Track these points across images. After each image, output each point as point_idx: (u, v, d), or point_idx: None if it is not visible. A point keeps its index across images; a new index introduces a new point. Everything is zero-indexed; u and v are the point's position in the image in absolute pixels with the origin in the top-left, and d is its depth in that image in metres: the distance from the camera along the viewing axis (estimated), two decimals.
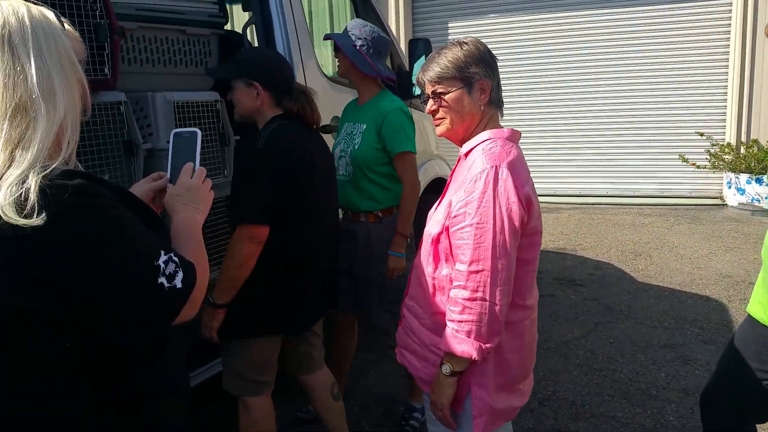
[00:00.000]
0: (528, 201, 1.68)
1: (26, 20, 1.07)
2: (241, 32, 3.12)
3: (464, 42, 1.78)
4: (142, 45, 2.64)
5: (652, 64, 8.49)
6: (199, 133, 1.44)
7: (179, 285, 1.12)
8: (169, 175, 1.42)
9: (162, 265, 1.10)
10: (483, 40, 1.83)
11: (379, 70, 2.84)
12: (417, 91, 3.05)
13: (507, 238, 1.63)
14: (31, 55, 1.05)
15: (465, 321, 1.65)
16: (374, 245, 2.86)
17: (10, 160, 1.02)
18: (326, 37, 2.95)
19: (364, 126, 2.84)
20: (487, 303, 1.63)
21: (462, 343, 1.66)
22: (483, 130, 1.79)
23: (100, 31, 2.23)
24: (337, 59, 2.93)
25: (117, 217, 1.07)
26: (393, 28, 9.02)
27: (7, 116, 1.03)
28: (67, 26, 1.17)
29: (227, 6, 3.35)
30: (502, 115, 1.85)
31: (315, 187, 2.33)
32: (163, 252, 1.12)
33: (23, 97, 1.04)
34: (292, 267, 2.30)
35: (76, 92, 1.13)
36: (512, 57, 8.92)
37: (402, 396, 3.39)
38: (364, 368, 3.79)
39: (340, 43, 2.83)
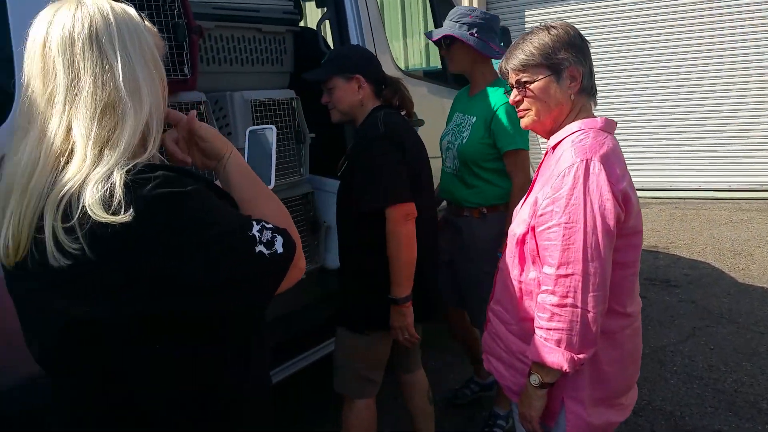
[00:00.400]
0: (625, 197, 1.52)
1: (111, 17, 1.05)
2: (315, 29, 3.09)
3: (552, 26, 1.64)
4: (220, 44, 2.65)
5: (750, 48, 7.85)
6: (274, 129, 1.40)
7: (280, 250, 1.08)
8: None
9: (257, 234, 1.07)
10: None
11: (502, 51, 2.65)
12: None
13: (600, 238, 1.48)
14: (118, 52, 1.03)
15: (554, 329, 1.52)
16: (477, 242, 2.71)
17: (99, 159, 1.00)
18: (429, 36, 2.78)
19: (474, 119, 2.67)
20: (579, 310, 1.49)
21: (551, 352, 1.52)
22: (573, 121, 1.64)
23: (178, 30, 2.24)
24: (447, 53, 2.73)
25: (201, 201, 1.04)
26: None
27: (96, 115, 1.01)
28: (147, 23, 1.14)
29: (302, 3, 3.32)
30: (595, 104, 1.69)
31: (423, 173, 2.28)
32: (254, 222, 1.09)
33: (111, 96, 1.02)
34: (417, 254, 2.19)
35: (159, 90, 1.10)
36: (597, 44, 8.49)
37: (485, 400, 3.26)
38: (445, 369, 3.68)
39: (460, 35, 2.63)
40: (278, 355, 2.59)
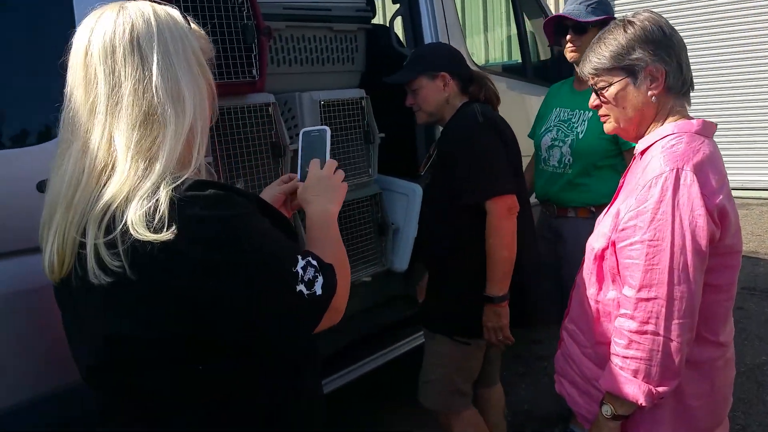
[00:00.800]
0: (721, 213, 1.35)
1: (153, 21, 1.01)
2: (388, 26, 3.01)
3: (630, 21, 1.48)
4: (290, 45, 2.63)
5: None
6: (328, 130, 1.36)
7: (319, 291, 1.04)
8: (299, 176, 1.37)
9: (300, 272, 1.03)
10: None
11: None
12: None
13: (689, 259, 1.32)
14: (160, 58, 1.00)
15: (631, 357, 1.37)
16: (585, 244, 2.54)
17: (142, 171, 0.97)
18: (547, 25, 2.60)
19: (589, 114, 2.48)
20: (661, 338, 1.34)
21: (627, 383, 1.38)
22: (664, 123, 1.48)
23: (247, 32, 2.22)
24: (569, 44, 2.51)
25: (251, 226, 1.00)
26: (552, 8, 8.48)
27: (138, 124, 0.98)
28: (193, 26, 1.11)
29: (374, 1, 3.25)
30: (689, 103, 1.51)
31: (520, 168, 2.20)
32: (300, 257, 1.04)
33: (153, 104, 0.99)
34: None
35: (205, 95, 1.07)
36: (691, 34, 7.94)
37: (559, 414, 3.09)
38: (514, 381, 3.53)
39: (588, 21, 2.41)
40: (336, 362, 2.55)
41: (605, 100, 1.50)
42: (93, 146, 0.98)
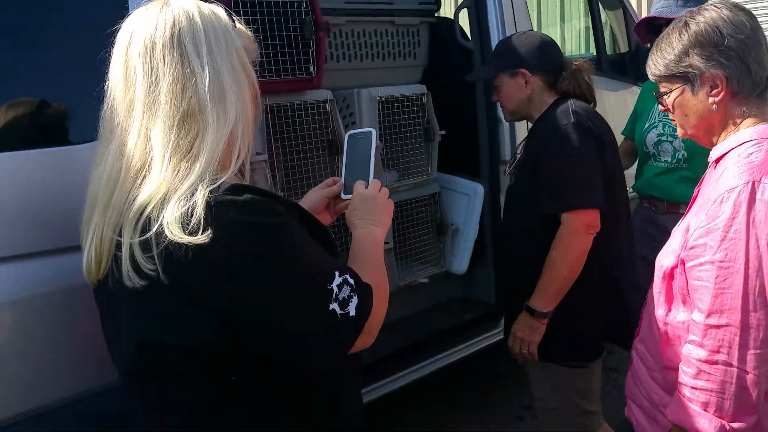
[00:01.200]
0: None
1: (197, 19, 0.98)
2: (453, 18, 2.91)
3: (687, 23, 1.32)
4: (350, 40, 2.58)
5: None
6: (374, 133, 1.31)
7: (353, 312, 0.98)
8: (343, 180, 1.33)
9: (335, 289, 0.97)
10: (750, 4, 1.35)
11: None
12: None
13: (766, 283, 1.18)
14: (202, 56, 0.97)
15: (701, 389, 1.24)
16: None
17: (180, 172, 0.94)
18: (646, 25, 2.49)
19: None
20: (734, 369, 1.21)
21: (697, 416, 1.25)
22: (740, 128, 1.32)
23: (305, 28, 2.19)
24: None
25: (288, 236, 0.96)
26: (633, 3, 8.03)
27: (176, 124, 0.95)
28: (238, 25, 1.07)
29: None
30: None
31: (618, 170, 2.02)
32: (337, 273, 0.99)
33: (192, 103, 0.95)
34: (613, 266, 1.96)
35: (248, 96, 1.03)
36: None
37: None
38: (616, 393, 3.33)
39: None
40: (390, 366, 2.49)
41: (667, 107, 1.37)
42: (130, 145, 0.96)
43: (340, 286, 0.97)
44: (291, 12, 2.18)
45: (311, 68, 2.22)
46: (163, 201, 0.92)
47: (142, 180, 0.95)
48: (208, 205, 0.90)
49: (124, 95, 0.97)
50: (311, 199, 1.35)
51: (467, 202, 2.91)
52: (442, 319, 2.78)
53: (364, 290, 1.01)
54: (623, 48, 3.91)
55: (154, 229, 0.90)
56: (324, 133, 2.40)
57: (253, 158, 2.16)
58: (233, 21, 1.05)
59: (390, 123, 2.65)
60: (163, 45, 0.95)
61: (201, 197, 0.90)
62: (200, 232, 0.88)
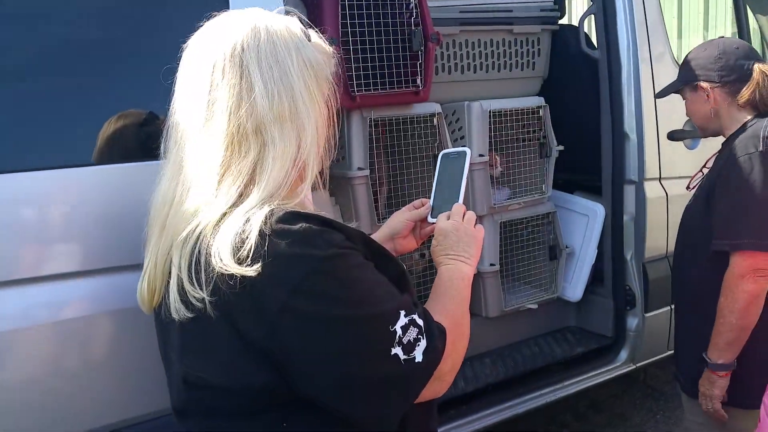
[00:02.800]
0: None
1: (263, 32, 0.91)
2: (577, 26, 2.70)
3: None
4: (464, 50, 2.47)
5: None
6: (468, 153, 1.21)
7: (419, 358, 0.87)
8: (431, 202, 1.23)
9: (399, 331, 0.86)
10: None
11: None
12: None
13: None
14: (264, 71, 0.90)
15: None
16: None
17: (235, 196, 0.88)
18: None
19: None
20: None
21: None
22: None
23: (414, 39, 2.11)
24: None
25: (343, 270, 0.86)
26: None
27: (232, 144, 0.89)
28: (315, 39, 1.00)
29: None
30: None
31: None
32: (403, 313, 0.88)
33: (251, 122, 0.89)
34: None
35: (319, 118, 0.95)
36: None
37: None
38: None
39: None
40: (492, 397, 2.33)
41: None
42: (185, 165, 0.91)
43: (405, 328, 0.86)
44: (400, 23, 2.11)
45: (418, 80, 2.14)
46: (215, 227, 0.85)
47: (196, 201, 0.89)
48: (262, 235, 0.82)
49: (187, 112, 0.92)
50: (396, 222, 1.26)
51: (585, 224, 2.69)
52: (551, 350, 2.57)
53: (434, 332, 0.90)
54: None
55: (203, 258, 0.84)
56: (431, 148, 2.31)
57: (354, 173, 2.12)
58: (308, 36, 0.98)
59: (504, 137, 2.50)
60: (224, 60, 0.89)
61: (255, 225, 0.83)
62: (250, 264, 0.81)
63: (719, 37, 1.91)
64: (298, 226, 0.84)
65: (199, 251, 0.86)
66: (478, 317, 2.52)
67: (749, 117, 1.75)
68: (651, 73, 2.55)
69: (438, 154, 2.26)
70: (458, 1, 2.44)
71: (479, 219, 2.44)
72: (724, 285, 1.68)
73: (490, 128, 2.39)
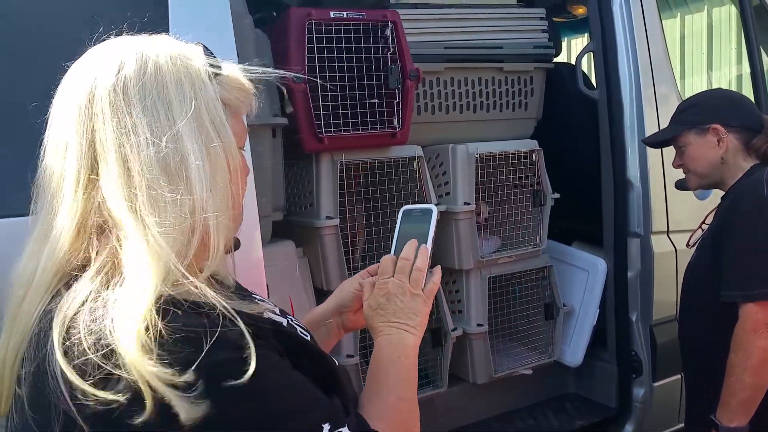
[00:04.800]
0: None
1: (150, 62, 0.70)
2: (575, 64, 2.51)
3: None
4: (449, 89, 2.27)
5: None
6: (435, 211, 1.00)
7: None
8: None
9: None
10: None
11: None
12: None
13: None
14: (148, 112, 0.69)
15: None
16: None
17: (105, 277, 0.66)
18: None
19: None
20: None
21: None
22: None
23: (391, 75, 1.91)
24: None
25: (233, 378, 0.63)
26: None
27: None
28: (230, 70, 0.78)
29: (560, 36, 2.78)
30: None
31: None
32: (327, 427, 0.68)
33: (135, 180, 0.67)
34: None
35: (223, 170, 0.72)
36: None
37: None
38: None
39: None
40: None
41: None
42: (56, 231, 0.69)
43: None
44: (375, 58, 1.92)
45: (395, 121, 1.93)
46: (67, 323, 0.63)
47: (59, 284, 0.68)
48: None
49: (59, 161, 0.71)
50: (344, 293, 1.03)
51: (585, 280, 2.45)
52: (548, 422, 2.31)
53: None
54: None
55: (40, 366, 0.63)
56: (412, 195, 2.09)
57: (322, 222, 1.90)
58: (216, 67, 0.76)
59: (492, 183, 2.28)
60: (101, 96, 0.69)
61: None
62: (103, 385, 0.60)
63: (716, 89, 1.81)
64: (177, 324, 0.62)
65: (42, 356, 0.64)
66: (465, 383, 2.27)
67: (749, 165, 1.69)
68: (656, 115, 2.34)
69: (418, 201, 2.07)
70: (443, 37, 2.25)
71: (465, 273, 2.21)
72: (734, 340, 1.57)
73: (477, 173, 2.17)
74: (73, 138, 0.69)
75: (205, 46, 0.78)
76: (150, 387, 0.58)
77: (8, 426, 0.71)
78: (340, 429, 0.68)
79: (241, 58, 1.30)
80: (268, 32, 1.84)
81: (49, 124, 0.74)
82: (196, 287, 0.66)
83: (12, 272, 0.73)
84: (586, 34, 3.70)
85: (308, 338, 0.85)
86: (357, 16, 1.87)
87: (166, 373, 0.59)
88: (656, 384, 2.31)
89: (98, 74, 0.70)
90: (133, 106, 0.68)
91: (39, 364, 0.64)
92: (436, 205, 2.00)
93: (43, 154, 0.73)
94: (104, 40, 0.76)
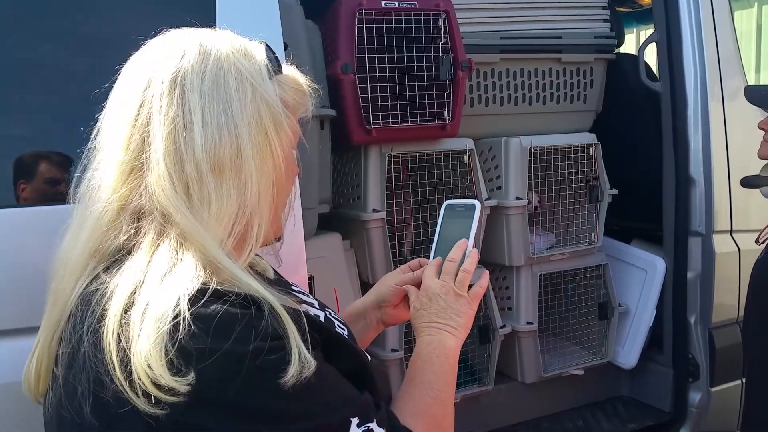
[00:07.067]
0: None
1: (211, 57, 0.71)
2: (637, 55, 2.40)
3: None
4: (505, 80, 2.22)
5: None
6: (478, 207, 1.00)
7: None
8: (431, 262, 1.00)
9: None
10: None
11: None
12: None
13: None
14: (207, 107, 0.69)
15: None
16: None
17: (155, 264, 0.67)
18: None
19: None
20: None
21: None
22: None
23: (441, 66, 1.88)
24: None
25: (269, 370, 0.64)
26: None
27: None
28: (289, 71, 0.79)
29: (623, 26, 2.66)
30: None
31: None
32: (356, 421, 0.68)
33: (180, 173, 0.69)
34: None
35: (273, 167, 0.73)
36: None
37: None
38: None
39: None
40: None
41: None
42: (98, 218, 0.72)
43: None
44: (427, 49, 1.89)
45: (445, 113, 1.90)
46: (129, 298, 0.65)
47: (97, 266, 0.71)
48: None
49: (108, 141, 0.73)
50: (384, 287, 1.03)
51: (643, 280, 2.35)
52: (599, 424, 2.23)
53: None
54: None
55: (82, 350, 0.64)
56: (463, 189, 2.05)
57: (369, 215, 1.89)
58: (276, 66, 0.76)
59: (547, 177, 2.22)
60: (159, 84, 0.70)
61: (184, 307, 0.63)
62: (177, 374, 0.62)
63: None
64: (210, 309, 0.63)
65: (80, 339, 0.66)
66: (513, 382, 2.22)
67: None
68: (723, 111, 2.22)
69: (467, 195, 2.03)
70: (499, 27, 2.20)
71: (515, 270, 2.16)
72: None
73: (530, 167, 2.12)
74: (126, 123, 0.71)
75: (268, 45, 0.78)
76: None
77: (45, 404, 0.74)
78: (369, 424, 0.68)
79: (290, 50, 1.31)
80: (319, 23, 1.84)
81: (105, 109, 0.76)
82: (238, 278, 0.67)
83: (56, 252, 0.76)
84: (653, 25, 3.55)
85: (345, 332, 0.85)
86: (409, 6, 1.85)
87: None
88: (714, 389, 2.21)
89: (159, 63, 0.72)
90: (190, 97, 0.69)
91: (75, 345, 0.66)
92: (486, 199, 2.01)
93: (95, 136, 0.75)
94: (152, 33, 0.78)
